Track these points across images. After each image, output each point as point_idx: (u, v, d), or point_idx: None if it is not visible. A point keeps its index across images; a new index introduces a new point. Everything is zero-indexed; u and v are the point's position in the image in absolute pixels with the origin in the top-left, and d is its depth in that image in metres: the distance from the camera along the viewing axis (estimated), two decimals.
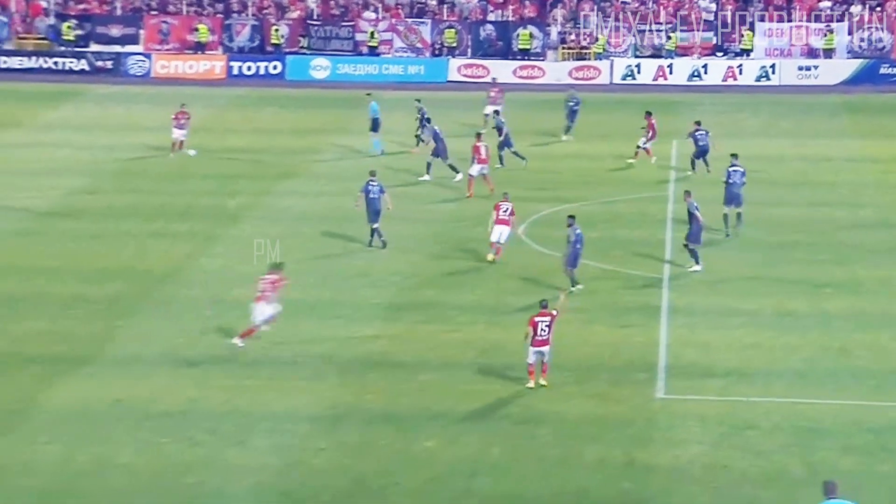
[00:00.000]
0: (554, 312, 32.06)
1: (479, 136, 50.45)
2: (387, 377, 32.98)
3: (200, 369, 33.41)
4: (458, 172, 51.03)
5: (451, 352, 34.61)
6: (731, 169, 44.54)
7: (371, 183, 43.49)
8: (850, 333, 35.78)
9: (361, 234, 43.48)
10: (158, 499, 27.09)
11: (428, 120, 54.58)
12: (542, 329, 31.71)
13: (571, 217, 39.43)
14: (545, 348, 31.86)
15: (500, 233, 41.84)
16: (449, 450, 29.08)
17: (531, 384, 31.82)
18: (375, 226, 43.14)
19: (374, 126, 56.30)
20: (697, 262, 40.54)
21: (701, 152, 51.51)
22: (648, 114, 54.62)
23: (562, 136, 58.65)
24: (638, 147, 54.00)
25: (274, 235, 44.48)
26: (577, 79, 73.95)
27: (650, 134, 54.11)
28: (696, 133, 51.91)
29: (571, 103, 58.86)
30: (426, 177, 51.52)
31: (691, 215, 40.63)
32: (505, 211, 42.11)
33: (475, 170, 49.06)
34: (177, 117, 55.97)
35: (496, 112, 54.82)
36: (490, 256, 41.81)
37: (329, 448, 29.19)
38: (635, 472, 28.08)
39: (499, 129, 54.00)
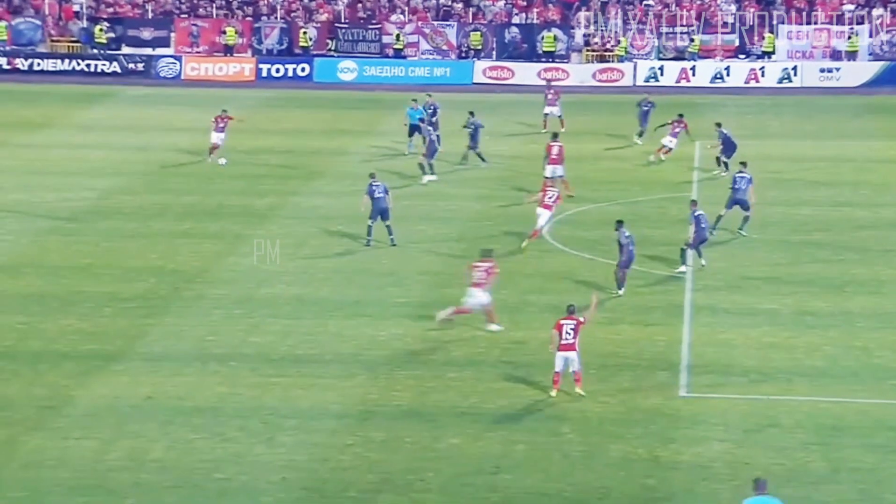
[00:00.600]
0: (581, 319, 31.62)
1: (554, 136, 50.33)
2: (413, 375, 32.99)
3: (229, 366, 33.47)
4: (425, 174, 50.91)
5: (477, 350, 34.60)
6: (737, 175, 44.47)
7: (373, 184, 43.56)
8: (871, 332, 35.67)
9: (386, 235, 43.45)
10: (188, 494, 27.13)
11: (422, 121, 54.27)
12: (566, 333, 31.32)
13: (619, 222, 39.13)
14: (571, 353, 31.35)
15: (539, 216, 42.61)
16: (474, 446, 29.08)
17: (553, 393, 31.41)
18: (389, 224, 43.17)
19: (412, 131, 55.96)
20: (685, 263, 40.54)
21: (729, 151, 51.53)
22: (681, 116, 54.61)
23: (635, 139, 57.77)
24: (663, 146, 54.07)
25: (301, 235, 44.65)
26: (600, 81, 73.99)
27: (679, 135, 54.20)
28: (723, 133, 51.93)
29: (645, 107, 58.17)
30: (433, 177, 51.35)
31: (697, 221, 40.54)
32: (550, 197, 42.79)
33: (548, 171, 48.76)
34: (216, 121, 55.66)
35: (471, 113, 54.71)
36: (524, 243, 42.45)
37: (356, 444, 29.22)
38: (658, 469, 28.03)
39: (473, 128, 53.68)
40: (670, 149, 54.09)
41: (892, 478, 27.57)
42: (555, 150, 49.19)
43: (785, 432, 29.59)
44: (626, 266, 38.61)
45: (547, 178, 47.88)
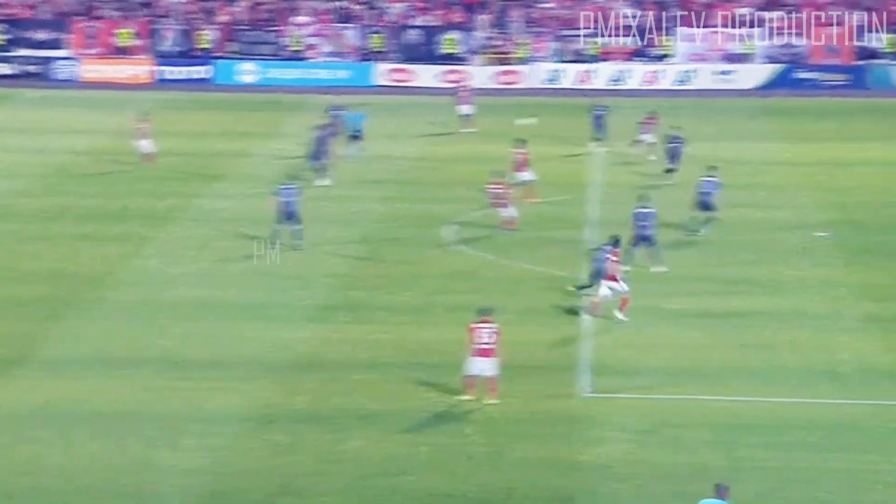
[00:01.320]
0: (492, 326, 31.09)
1: (520, 142, 49.51)
2: (317, 378, 32.87)
3: (131, 370, 33.13)
4: (326, 179, 50.48)
5: (381, 352, 34.54)
6: (704, 179, 45.03)
7: (286, 187, 43.40)
8: (770, 332, 36.05)
9: (292, 238, 43.23)
10: (89, 500, 26.83)
11: (325, 127, 53.80)
12: (483, 338, 30.92)
13: (614, 237, 38.61)
14: (488, 360, 30.95)
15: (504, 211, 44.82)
16: (378, 449, 29.03)
17: (469, 397, 31.19)
18: (297, 227, 42.95)
19: (354, 137, 55.49)
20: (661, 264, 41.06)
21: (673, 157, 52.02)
22: (653, 113, 55.31)
23: (589, 145, 57.16)
24: (639, 142, 54.43)
25: (204, 237, 44.35)
26: (501, 83, 74.14)
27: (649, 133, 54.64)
28: (674, 139, 52.31)
29: (599, 112, 57.64)
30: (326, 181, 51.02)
31: (633, 219, 40.89)
32: (494, 196, 44.62)
33: (516, 178, 48.14)
34: (138, 126, 54.69)
35: (336, 110, 54.40)
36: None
37: (259, 448, 29.06)
38: (561, 469, 28.14)
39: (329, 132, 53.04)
40: (646, 143, 54.53)
41: (794, 476, 27.90)
42: (518, 157, 48.93)
43: (687, 431, 29.83)
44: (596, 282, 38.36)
45: (515, 184, 47.48)
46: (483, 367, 30.98)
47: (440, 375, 32.54)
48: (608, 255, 36.97)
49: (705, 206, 44.76)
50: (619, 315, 36.51)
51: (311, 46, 77.03)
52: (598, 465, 28.35)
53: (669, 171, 51.70)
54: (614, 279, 36.64)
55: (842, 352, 34.68)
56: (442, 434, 29.74)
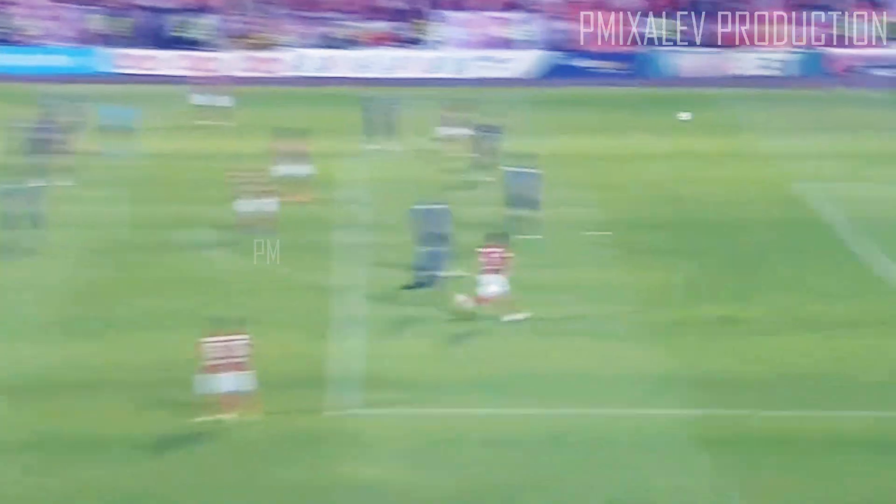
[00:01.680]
0: (243, 338, 31.19)
1: (290, 133, 49.83)
2: (55, 400, 32.38)
3: None
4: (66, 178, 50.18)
5: (120, 370, 34.12)
6: (516, 170, 45.93)
7: (15, 186, 42.95)
8: (547, 339, 36.83)
9: (17, 244, 42.76)
10: None
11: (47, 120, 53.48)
12: (214, 352, 30.96)
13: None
14: (237, 374, 31.01)
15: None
16: (118, 477, 28.76)
17: (214, 416, 31.13)
18: (32, 231, 42.59)
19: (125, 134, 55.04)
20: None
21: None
22: (452, 105, 56.23)
23: (362, 140, 57.78)
24: (441, 138, 55.19)
25: None
26: (249, 70, 74.15)
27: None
28: (485, 130, 53.10)
29: (375, 104, 58.14)
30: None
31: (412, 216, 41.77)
32: (256, 183, 45.08)
33: (281, 170, 48.65)
34: None
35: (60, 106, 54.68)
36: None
37: None
38: (325, 493, 28.35)
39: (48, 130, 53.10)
40: (455, 137, 55.10)
41: (572, 490, 28.64)
42: (283, 147, 49.25)
43: (456, 447, 30.12)
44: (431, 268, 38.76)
45: (277, 178, 47.94)
46: (232, 382, 31.00)
47: (183, 393, 32.28)
48: (494, 251, 37.44)
49: (525, 202, 45.36)
50: (515, 316, 37.15)
51: (30, 29, 75.79)
52: (363, 485, 28.69)
53: (480, 165, 52.64)
54: (492, 274, 37.26)
55: (622, 359, 35.65)
56: (192, 458, 29.68)
